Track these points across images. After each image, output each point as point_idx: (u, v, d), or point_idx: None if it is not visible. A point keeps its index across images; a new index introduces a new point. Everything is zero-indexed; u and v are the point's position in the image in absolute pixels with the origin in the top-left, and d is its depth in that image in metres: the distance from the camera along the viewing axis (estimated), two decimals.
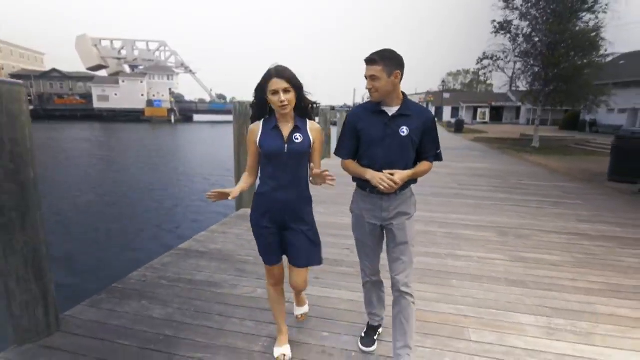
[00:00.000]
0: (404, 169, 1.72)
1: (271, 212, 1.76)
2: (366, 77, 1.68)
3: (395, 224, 1.80)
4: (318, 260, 1.87)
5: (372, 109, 1.76)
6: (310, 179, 1.73)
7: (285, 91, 1.61)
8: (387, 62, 1.63)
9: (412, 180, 1.82)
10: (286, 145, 1.68)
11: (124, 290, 2.59)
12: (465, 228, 4.23)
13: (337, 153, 1.88)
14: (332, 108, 13.34)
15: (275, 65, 1.65)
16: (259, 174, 1.81)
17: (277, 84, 1.60)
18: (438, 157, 1.86)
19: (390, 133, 1.71)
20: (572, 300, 2.60)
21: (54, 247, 5.38)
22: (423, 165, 1.80)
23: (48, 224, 2.27)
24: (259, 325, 2.23)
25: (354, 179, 1.89)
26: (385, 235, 1.89)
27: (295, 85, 1.65)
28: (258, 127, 1.73)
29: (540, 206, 5.43)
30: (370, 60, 1.65)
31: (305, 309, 2.25)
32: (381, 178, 1.67)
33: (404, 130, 1.70)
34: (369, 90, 1.69)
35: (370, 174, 1.72)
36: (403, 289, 1.79)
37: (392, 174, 1.68)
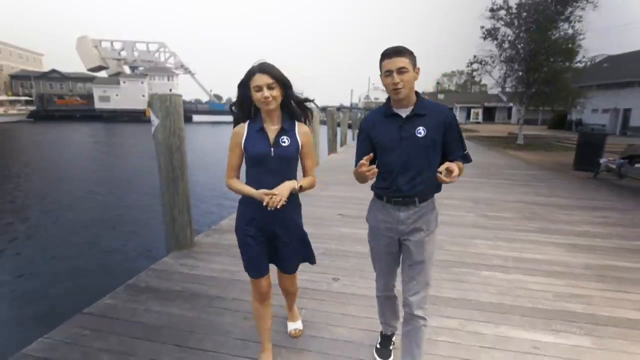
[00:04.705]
0: (425, 173, 1.57)
1: (257, 220, 1.65)
2: (389, 72, 1.50)
3: (413, 239, 1.64)
4: (311, 261, 1.85)
5: (384, 113, 1.64)
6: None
7: (269, 87, 1.53)
8: (411, 55, 1.52)
9: (435, 188, 1.66)
10: (272, 149, 1.59)
11: (220, 230, 3.96)
12: (448, 199, 5.61)
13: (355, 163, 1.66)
14: (338, 109, 14.69)
15: (259, 62, 1.57)
16: (246, 180, 1.67)
17: (261, 79, 1.52)
18: (466, 158, 1.63)
19: (405, 136, 1.56)
20: (512, 234, 4.01)
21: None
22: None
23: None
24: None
25: (372, 187, 1.74)
26: (401, 250, 1.74)
27: (281, 81, 1.57)
28: (243, 129, 1.64)
29: (510, 187, 6.86)
30: (397, 52, 1.49)
31: (298, 324, 2.14)
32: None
33: (421, 131, 1.55)
34: (395, 85, 1.50)
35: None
36: (416, 312, 1.66)
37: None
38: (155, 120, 3.13)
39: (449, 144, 1.61)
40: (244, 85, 1.59)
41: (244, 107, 1.65)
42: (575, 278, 2.96)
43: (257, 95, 1.54)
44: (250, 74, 1.56)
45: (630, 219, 4.81)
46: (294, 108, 1.67)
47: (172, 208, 3.27)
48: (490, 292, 2.71)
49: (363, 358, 1.96)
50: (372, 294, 2.56)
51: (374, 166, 1.49)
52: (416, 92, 1.60)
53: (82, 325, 2.19)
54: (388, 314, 1.96)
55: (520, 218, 4.67)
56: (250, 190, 1.60)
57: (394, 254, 1.75)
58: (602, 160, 8.07)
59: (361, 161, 1.49)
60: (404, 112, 1.59)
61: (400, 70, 1.49)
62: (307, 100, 1.74)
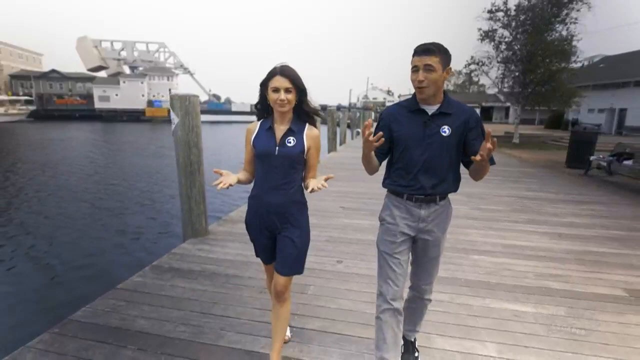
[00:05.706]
0: (446, 172, 1.59)
1: (261, 215, 1.73)
2: (416, 68, 1.50)
3: (430, 238, 1.67)
4: (300, 270, 1.78)
5: (409, 108, 1.61)
6: (307, 190, 1.67)
7: (287, 91, 1.60)
8: (443, 55, 1.49)
9: (454, 188, 1.70)
10: (277, 148, 1.66)
11: (231, 220, 4.26)
12: None
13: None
14: (337, 109, 14.99)
15: (282, 64, 1.63)
16: (256, 175, 1.78)
17: (280, 81, 1.59)
18: (490, 160, 1.53)
19: (430, 133, 1.56)
20: (502, 224, 4.32)
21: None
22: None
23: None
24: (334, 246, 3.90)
25: (386, 184, 1.72)
26: (413, 247, 1.74)
27: (298, 86, 1.63)
28: (255, 126, 1.74)
29: (503, 182, 7.17)
30: (427, 50, 1.47)
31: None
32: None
33: (446, 130, 1.55)
34: (419, 82, 1.49)
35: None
36: (427, 297, 1.81)
37: None
38: (175, 119, 3.42)
39: (473, 144, 1.58)
40: (264, 85, 1.66)
41: (265, 105, 1.73)
42: (556, 261, 3.27)
43: (273, 96, 1.61)
44: (271, 75, 1.62)
45: (614, 211, 5.13)
46: (306, 111, 1.72)
47: (190, 198, 3.56)
48: (478, 272, 3.02)
49: (366, 323, 2.26)
50: (372, 273, 2.88)
51: (380, 134, 1.47)
52: (444, 91, 1.59)
53: (118, 298, 2.49)
54: (389, 341, 1.64)
55: (511, 210, 4.98)
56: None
57: (408, 253, 1.72)
58: (592, 158, 8.39)
59: (366, 123, 1.48)
60: (430, 109, 1.58)
61: (427, 68, 1.47)
62: (317, 112, 1.77)
